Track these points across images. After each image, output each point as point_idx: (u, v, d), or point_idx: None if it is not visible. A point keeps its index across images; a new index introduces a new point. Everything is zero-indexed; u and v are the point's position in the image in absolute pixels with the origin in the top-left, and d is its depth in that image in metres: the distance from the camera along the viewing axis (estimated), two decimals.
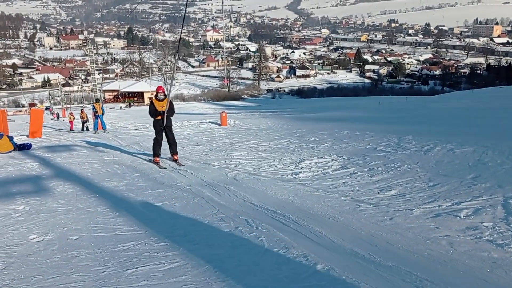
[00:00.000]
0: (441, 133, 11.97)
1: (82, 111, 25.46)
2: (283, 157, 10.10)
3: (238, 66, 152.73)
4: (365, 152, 10.00)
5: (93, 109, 22.46)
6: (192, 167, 9.21)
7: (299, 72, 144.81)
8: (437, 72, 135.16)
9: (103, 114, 22.06)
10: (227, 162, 9.65)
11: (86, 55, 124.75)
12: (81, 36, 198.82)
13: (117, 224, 5.19)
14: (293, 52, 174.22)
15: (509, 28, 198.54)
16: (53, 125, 30.27)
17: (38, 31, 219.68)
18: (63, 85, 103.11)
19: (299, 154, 10.31)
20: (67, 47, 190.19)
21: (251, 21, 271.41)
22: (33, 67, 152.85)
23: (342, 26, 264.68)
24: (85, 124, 24.38)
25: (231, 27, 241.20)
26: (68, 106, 65.38)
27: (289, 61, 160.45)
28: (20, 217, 5.57)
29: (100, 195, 6.71)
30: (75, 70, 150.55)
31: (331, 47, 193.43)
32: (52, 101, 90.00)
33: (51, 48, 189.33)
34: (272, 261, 3.94)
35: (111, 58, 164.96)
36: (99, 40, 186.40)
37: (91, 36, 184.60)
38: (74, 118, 28.68)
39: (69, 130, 24.95)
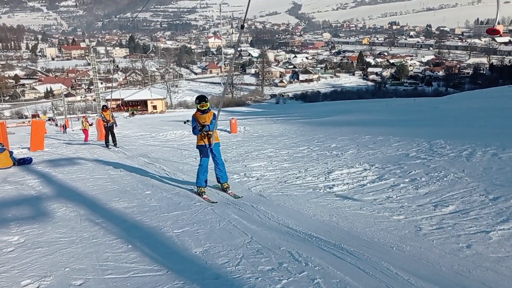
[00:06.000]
0: (473, 136, 11.00)
1: (105, 108, 16.96)
2: (308, 167, 9.12)
3: (241, 72, 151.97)
4: (398, 159, 9.02)
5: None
6: (209, 182, 8.24)
7: (302, 77, 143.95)
8: (440, 73, 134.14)
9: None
10: (247, 175, 8.68)
11: (89, 64, 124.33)
12: (82, 44, 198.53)
13: (130, 261, 4.22)
14: (295, 56, 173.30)
15: (510, 27, 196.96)
16: (57, 136, 29.34)
17: (40, 42, 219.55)
18: (66, 95, 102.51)
19: (325, 164, 9.33)
20: (69, 57, 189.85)
21: (253, 26, 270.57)
22: (35, 78, 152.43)
23: (343, 29, 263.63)
24: (113, 131, 16.69)
25: (232, 33, 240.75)
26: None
27: (292, 66, 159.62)
28: (13, 252, 4.60)
29: (108, 220, 5.75)
30: (77, 79, 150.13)
31: (333, 51, 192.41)
32: (55, 112, 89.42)
33: (53, 59, 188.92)
34: None
35: (113, 66, 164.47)
36: (101, 49, 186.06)
37: (93, 44, 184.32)
38: (90, 125, 23.78)
39: (83, 143, 20.29)
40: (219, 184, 7.61)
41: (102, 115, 16.84)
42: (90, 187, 8.25)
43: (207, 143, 7.26)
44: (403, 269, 3.72)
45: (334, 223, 5.26)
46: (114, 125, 16.80)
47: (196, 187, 7.41)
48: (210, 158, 7.40)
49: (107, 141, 16.53)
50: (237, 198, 6.84)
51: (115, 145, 16.47)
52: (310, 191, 7.13)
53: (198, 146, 7.43)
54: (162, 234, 5.05)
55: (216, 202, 6.61)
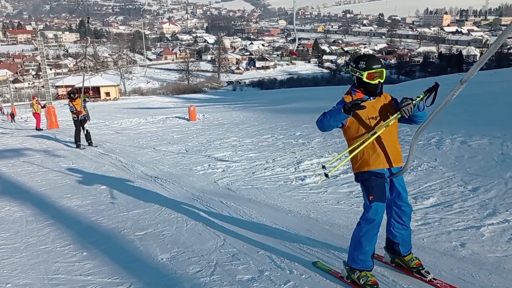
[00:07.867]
0: (436, 123, 10.84)
1: (73, 96, 12.57)
2: (275, 157, 8.68)
3: (196, 59, 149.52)
4: None
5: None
6: (171, 174, 7.64)
7: (258, 64, 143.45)
8: (393, 61, 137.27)
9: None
10: (212, 166, 8.13)
11: (36, 49, 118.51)
12: (28, 27, 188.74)
13: (85, 272, 3.62)
14: (251, 43, 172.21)
15: (457, 17, 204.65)
16: (3, 125, 27.48)
17: None
18: (13, 82, 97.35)
19: (293, 153, 8.92)
20: (15, 42, 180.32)
21: (208, 12, 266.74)
22: None
23: (298, 17, 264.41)
24: (85, 127, 12.42)
25: (187, 19, 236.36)
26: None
27: (248, 53, 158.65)
28: None
29: (59, 221, 5.07)
30: (24, 65, 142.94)
31: (289, 38, 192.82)
32: (0, 99, 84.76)
33: None
34: None
35: (63, 51, 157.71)
36: (49, 33, 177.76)
37: (40, 27, 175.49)
38: (43, 107, 20.18)
39: (34, 131, 18.19)
40: (391, 256, 3.49)
41: (71, 105, 12.53)
42: (39, 182, 7.47)
43: (387, 167, 3.22)
44: (399, 275, 3.33)
45: (313, 220, 4.83)
46: (87, 118, 12.73)
47: (347, 270, 3.26)
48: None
49: (78, 140, 12.26)
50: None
51: (90, 144, 12.29)
52: (281, 183, 6.69)
53: (362, 175, 3.25)
54: (122, 238, 4.45)
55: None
